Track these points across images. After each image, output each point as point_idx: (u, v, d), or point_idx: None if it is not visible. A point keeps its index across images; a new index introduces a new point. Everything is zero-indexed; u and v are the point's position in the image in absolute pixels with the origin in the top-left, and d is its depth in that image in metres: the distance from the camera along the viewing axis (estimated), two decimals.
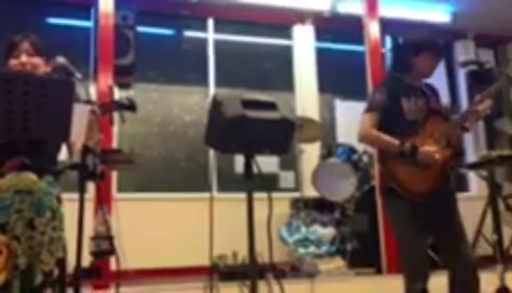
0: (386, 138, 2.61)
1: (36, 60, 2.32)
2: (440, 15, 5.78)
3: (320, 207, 4.75)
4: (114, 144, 4.27)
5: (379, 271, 4.27)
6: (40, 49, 2.34)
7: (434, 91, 2.83)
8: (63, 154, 2.40)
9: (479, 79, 5.15)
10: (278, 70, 5.87)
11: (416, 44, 2.72)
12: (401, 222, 2.64)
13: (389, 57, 2.93)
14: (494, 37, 6.35)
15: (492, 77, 2.88)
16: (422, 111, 2.67)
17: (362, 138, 2.72)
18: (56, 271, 2.08)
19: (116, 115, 2.60)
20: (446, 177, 2.65)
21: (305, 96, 5.75)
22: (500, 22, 5.89)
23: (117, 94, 4.55)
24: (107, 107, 2.50)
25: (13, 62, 2.31)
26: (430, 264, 2.66)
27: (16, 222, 2.03)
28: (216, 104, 2.04)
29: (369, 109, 2.71)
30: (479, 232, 4.08)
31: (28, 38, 2.33)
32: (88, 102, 2.30)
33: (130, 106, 2.50)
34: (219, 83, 5.54)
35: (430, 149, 2.56)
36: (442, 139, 2.59)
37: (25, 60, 2.30)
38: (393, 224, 2.73)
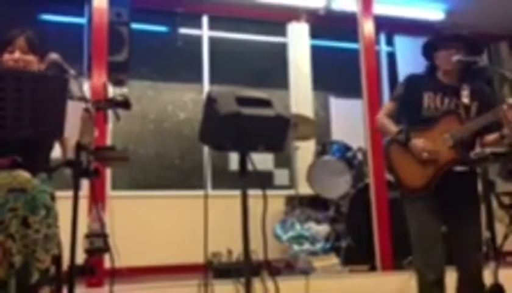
0: (390, 125, 2.64)
1: (30, 57, 2.31)
2: (434, 13, 5.80)
3: (314, 204, 4.75)
4: (108, 141, 4.24)
5: (373, 268, 4.28)
6: (35, 46, 2.32)
7: (480, 96, 2.69)
8: (56, 152, 2.38)
9: (472, 77, 5.16)
10: (272, 67, 5.86)
11: (432, 41, 2.75)
12: (411, 207, 2.60)
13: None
14: (488, 35, 6.37)
15: (486, 75, 2.90)
16: (443, 109, 2.63)
17: (375, 123, 2.82)
18: (52, 269, 2.07)
19: (110, 113, 2.58)
20: (449, 178, 2.54)
21: (300, 94, 5.75)
22: (493, 20, 5.90)
23: (112, 91, 4.53)
24: (101, 104, 2.48)
25: (6, 57, 2.29)
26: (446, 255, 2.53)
27: (11, 221, 2.02)
28: (211, 101, 2.03)
29: (391, 99, 2.84)
30: None
31: (24, 34, 2.31)
32: (82, 99, 2.28)
33: (124, 103, 2.47)
34: (213, 80, 5.52)
35: (420, 144, 2.52)
36: (450, 140, 2.54)
37: (19, 56, 2.28)
38: (405, 212, 2.67)
